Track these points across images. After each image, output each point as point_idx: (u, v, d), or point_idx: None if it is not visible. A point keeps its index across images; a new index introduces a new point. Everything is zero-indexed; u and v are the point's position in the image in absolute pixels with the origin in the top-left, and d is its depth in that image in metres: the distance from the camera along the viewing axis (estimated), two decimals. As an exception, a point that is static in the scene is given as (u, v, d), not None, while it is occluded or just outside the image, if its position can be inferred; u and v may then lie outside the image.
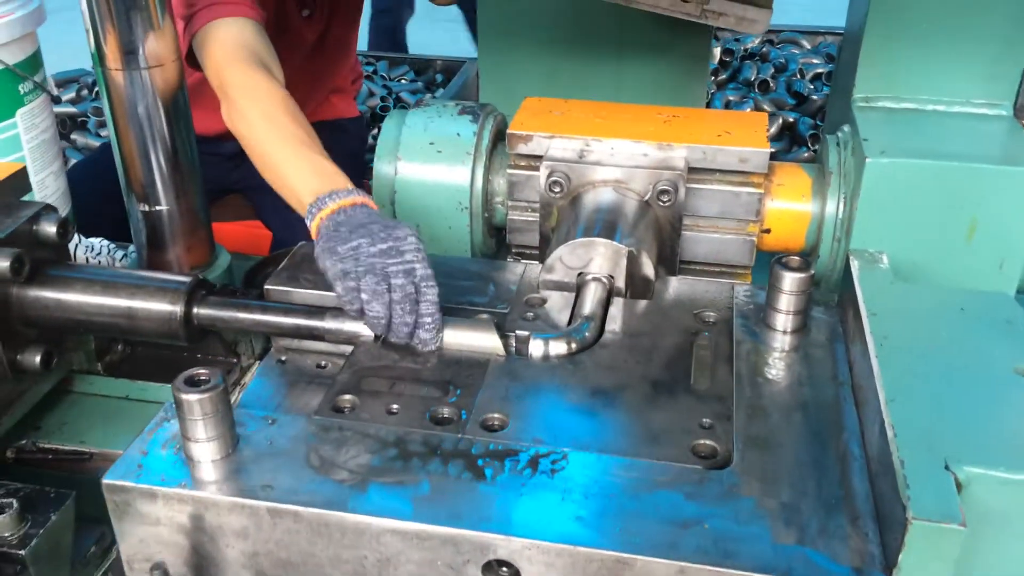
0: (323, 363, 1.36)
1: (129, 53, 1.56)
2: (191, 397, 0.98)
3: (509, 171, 1.60)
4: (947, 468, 0.89)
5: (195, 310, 1.28)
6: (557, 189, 1.53)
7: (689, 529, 0.93)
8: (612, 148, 1.55)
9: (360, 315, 1.21)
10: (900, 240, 1.43)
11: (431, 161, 1.61)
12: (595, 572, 0.92)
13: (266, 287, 1.38)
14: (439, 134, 1.62)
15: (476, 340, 1.21)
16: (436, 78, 5.35)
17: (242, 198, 2.67)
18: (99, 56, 1.58)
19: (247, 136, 1.54)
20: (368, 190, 2.62)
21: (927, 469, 0.89)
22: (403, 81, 5.21)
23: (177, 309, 1.27)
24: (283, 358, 1.37)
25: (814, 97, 3.41)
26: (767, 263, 1.91)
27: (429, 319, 1.21)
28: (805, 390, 1.16)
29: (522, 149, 1.58)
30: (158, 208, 1.69)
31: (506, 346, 1.22)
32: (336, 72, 2.67)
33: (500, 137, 1.69)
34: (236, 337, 1.61)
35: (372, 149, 3.80)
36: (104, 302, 1.28)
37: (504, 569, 0.95)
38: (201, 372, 1.00)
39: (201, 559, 1.02)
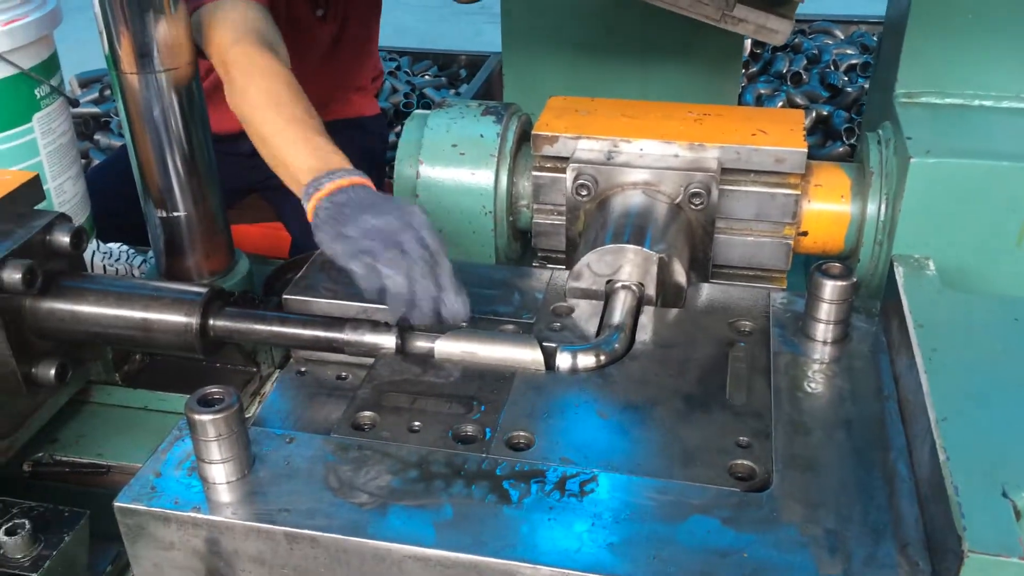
0: (344, 374, 1.32)
1: (143, 56, 1.53)
2: (204, 417, 0.94)
3: (534, 173, 1.55)
4: (1005, 495, 0.83)
5: (211, 322, 1.25)
6: (584, 192, 1.48)
7: (727, 558, 0.88)
8: (641, 149, 1.49)
9: (380, 295, 1.16)
10: (946, 244, 1.37)
11: (454, 163, 1.56)
12: (627, 604, 0.87)
13: (284, 297, 1.34)
14: (462, 136, 1.57)
15: (514, 354, 1.16)
16: (460, 73, 5.30)
17: (262, 200, 2.64)
18: (113, 59, 1.55)
19: (247, 116, 1.50)
20: (389, 190, 2.58)
21: (983, 496, 0.83)
22: (426, 76, 5.16)
23: (193, 321, 1.23)
24: (303, 369, 1.34)
25: (849, 89, 3.32)
26: (803, 266, 1.84)
27: (452, 288, 1.16)
28: (848, 405, 1.10)
29: (547, 151, 1.53)
30: (176, 214, 1.66)
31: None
32: (356, 72, 2.62)
33: (525, 138, 1.64)
34: (256, 346, 1.58)
35: (395, 147, 3.75)
36: (119, 314, 1.24)
37: (530, 598, 0.91)
38: (215, 391, 0.96)
39: (217, 584, 0.98)
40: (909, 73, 1.54)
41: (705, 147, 1.47)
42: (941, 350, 1.04)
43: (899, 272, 1.20)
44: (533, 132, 1.53)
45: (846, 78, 3.43)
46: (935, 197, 1.35)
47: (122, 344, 1.33)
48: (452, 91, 5.03)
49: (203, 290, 1.26)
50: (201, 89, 1.62)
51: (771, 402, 1.10)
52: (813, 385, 1.14)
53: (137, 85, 1.56)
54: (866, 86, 3.36)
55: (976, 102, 1.53)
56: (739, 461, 1.02)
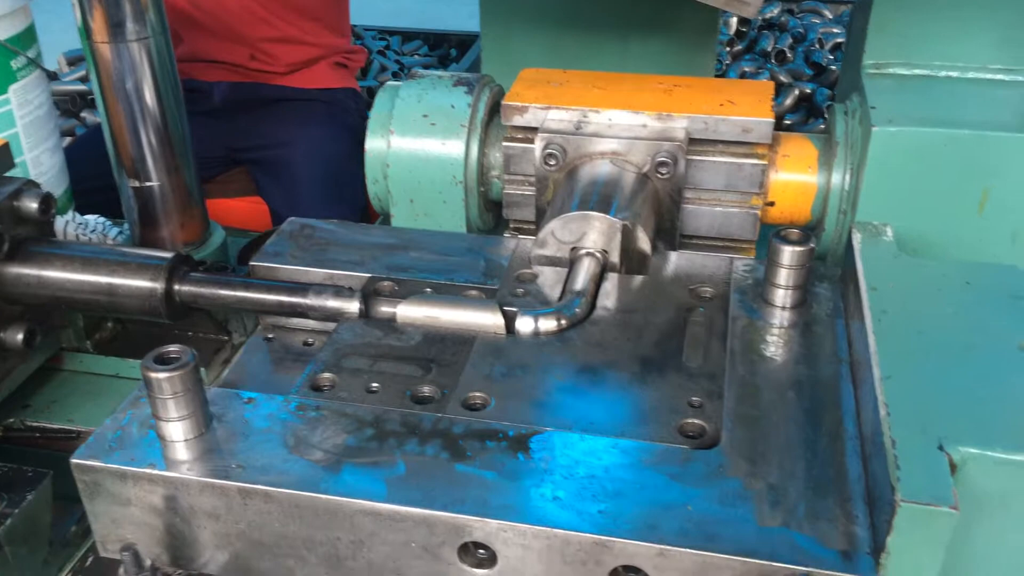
0: (310, 340, 1.34)
1: (116, 25, 1.53)
2: (159, 375, 0.95)
3: (504, 144, 1.56)
4: (941, 448, 0.85)
5: (176, 287, 1.26)
6: (552, 162, 1.49)
7: (672, 511, 0.90)
8: (610, 119, 1.50)
9: None
10: (908, 212, 1.37)
11: (424, 134, 1.57)
12: (573, 555, 0.88)
13: (252, 264, 1.35)
14: (433, 106, 1.58)
15: (475, 318, 1.18)
16: (451, 52, 5.30)
17: (246, 174, 2.65)
18: (86, 29, 1.55)
19: None
20: (363, 183, 2.57)
21: (920, 449, 0.85)
22: (416, 56, 5.16)
23: (158, 286, 1.25)
24: (270, 336, 1.35)
25: (832, 67, 3.33)
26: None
27: None
28: (801, 368, 1.12)
29: (517, 121, 1.54)
30: (149, 184, 1.67)
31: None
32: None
33: (497, 109, 1.65)
34: (227, 315, 1.59)
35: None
36: (85, 279, 1.26)
37: (481, 551, 0.93)
38: (171, 350, 0.97)
39: (175, 540, 1.00)
40: (876, 45, 1.54)
41: (673, 117, 1.47)
42: (891, 312, 1.05)
43: (857, 238, 1.22)
44: (503, 102, 1.53)
45: (831, 56, 3.43)
46: (897, 166, 1.36)
47: (88, 309, 1.35)
48: (444, 69, 5.03)
49: (168, 255, 1.27)
50: (174, 59, 1.63)
51: (725, 364, 1.12)
52: (769, 348, 1.15)
53: (109, 55, 1.57)
54: (852, 65, 3.36)
55: (943, 73, 1.54)
56: (690, 420, 1.03)
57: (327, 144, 2.47)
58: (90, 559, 1.19)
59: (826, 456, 0.97)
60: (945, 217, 1.39)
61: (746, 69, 3.33)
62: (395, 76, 4.65)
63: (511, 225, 1.66)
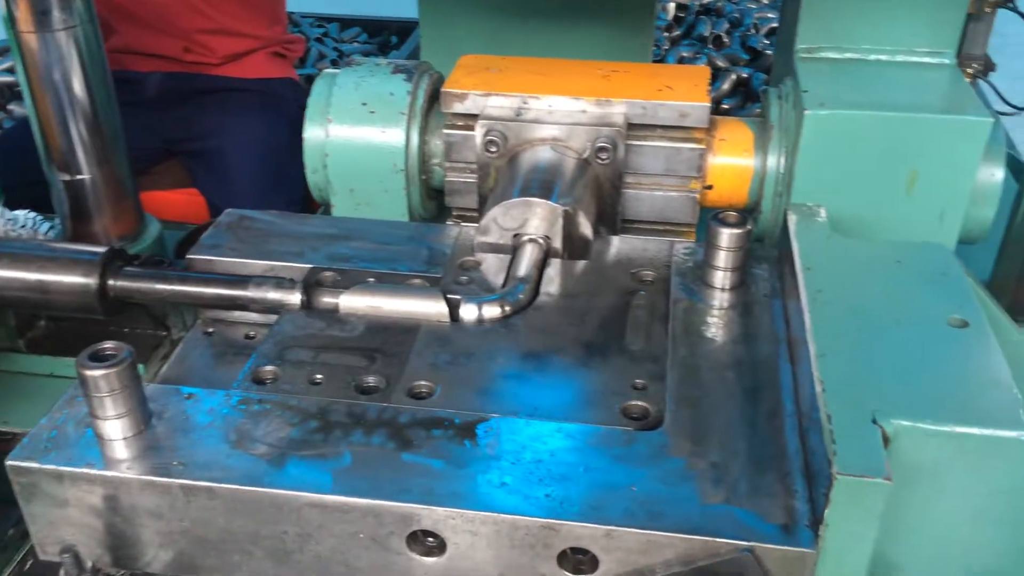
0: (252, 334, 1.32)
1: (42, 14, 1.49)
2: (95, 373, 0.93)
3: (445, 131, 1.55)
4: (875, 422, 0.88)
5: (110, 282, 1.23)
6: (494, 149, 1.49)
7: (617, 492, 0.91)
8: (550, 105, 1.50)
9: None
10: (840, 193, 1.41)
11: (363, 122, 1.55)
12: (521, 539, 0.89)
13: (188, 257, 1.33)
14: (371, 94, 1.56)
15: (419, 307, 1.17)
16: (391, 40, 5.25)
17: (179, 165, 2.60)
18: (10, 18, 1.51)
19: None
20: (302, 173, 2.54)
21: (854, 424, 0.87)
22: (356, 44, 5.10)
23: (91, 282, 1.22)
24: (209, 330, 1.33)
25: (768, 52, 3.38)
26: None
27: None
28: (740, 348, 1.14)
29: (457, 108, 1.53)
30: (80, 177, 1.63)
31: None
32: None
33: (436, 97, 1.64)
34: (166, 310, 1.56)
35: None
36: (14, 275, 1.22)
37: (431, 540, 0.93)
38: (107, 346, 0.95)
39: (116, 540, 0.98)
40: (808, 29, 1.57)
41: (611, 102, 1.48)
42: (826, 291, 1.08)
43: (792, 219, 1.24)
44: (443, 89, 1.53)
45: (766, 41, 3.48)
46: (829, 148, 1.39)
47: (19, 307, 1.31)
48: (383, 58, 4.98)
49: (101, 250, 1.24)
50: (103, 48, 1.59)
51: (667, 346, 1.13)
52: (709, 330, 1.17)
53: (36, 45, 1.52)
54: (786, 49, 3.42)
55: (872, 56, 1.57)
56: (634, 402, 1.05)
57: (264, 135, 2.43)
58: (29, 562, 1.16)
59: (766, 433, 0.99)
60: (876, 198, 1.42)
61: (684, 54, 3.36)
62: (334, 64, 4.59)
63: (454, 213, 1.66)
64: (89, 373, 0.93)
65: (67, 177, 1.61)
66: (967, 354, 0.98)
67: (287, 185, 2.38)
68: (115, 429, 0.96)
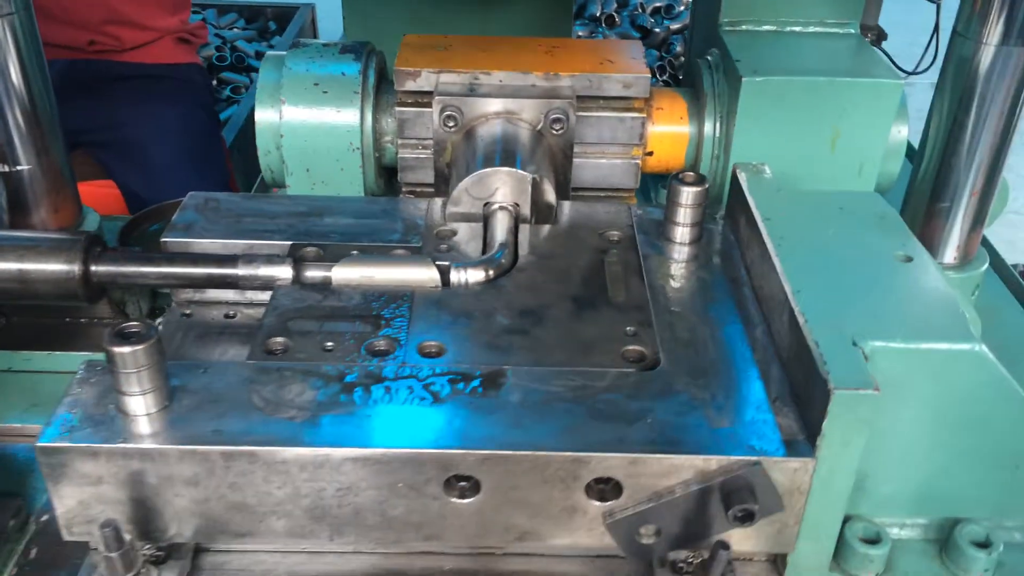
0: (231, 313, 1.34)
1: (-25, 0, 1.44)
2: (125, 350, 0.94)
3: (398, 108, 1.60)
4: (855, 344, 1.00)
5: (93, 267, 1.22)
6: (451, 124, 1.54)
7: (634, 425, 1.00)
8: (500, 80, 1.57)
9: None
10: (773, 153, 1.54)
11: (317, 103, 1.58)
12: (553, 474, 0.97)
13: (163, 240, 1.33)
14: (323, 74, 1.59)
15: (412, 274, 1.22)
16: (269, 26, 5.15)
17: (87, 156, 2.51)
18: (-60, 5, 1.44)
19: None
20: (227, 156, 2.52)
21: (838, 346, 0.99)
22: (235, 29, 4.99)
23: (75, 268, 1.20)
24: (187, 312, 1.33)
25: (657, 30, 3.55)
26: (647, 185, 2.00)
27: None
28: (711, 293, 1.25)
29: (410, 86, 1.58)
30: (18, 168, 1.58)
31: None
32: None
33: (382, 76, 1.68)
34: (124, 296, 1.54)
35: (226, 100, 3.61)
36: (-8, 266, 1.19)
37: (463, 483, 0.99)
38: (131, 325, 0.96)
39: (147, 514, 1.00)
40: (731, 5, 1.70)
41: (560, 76, 1.57)
42: (787, 237, 1.20)
43: (742, 177, 1.36)
44: (396, 67, 1.57)
45: (652, 20, 3.65)
46: (763, 111, 1.52)
47: (-2, 298, 1.28)
48: (264, 43, 4.89)
49: (81, 235, 1.23)
50: (39, 37, 1.55)
51: (647, 296, 1.23)
52: (680, 279, 1.28)
53: (-32, 32, 1.46)
54: (672, 27, 3.60)
55: (787, 28, 1.72)
56: (629, 347, 1.14)
57: (182, 121, 2.38)
58: (33, 551, 1.15)
59: (751, 365, 1.10)
60: (803, 155, 1.57)
61: (580, 33, 3.48)
62: (218, 50, 4.49)
63: (404, 189, 1.71)
64: (118, 351, 0.94)
65: (5, 168, 1.55)
66: (917, 283, 1.12)
67: (211, 172, 2.35)
68: (146, 404, 0.98)
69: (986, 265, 1.70)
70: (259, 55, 4.60)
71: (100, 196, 2.46)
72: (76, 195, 1.71)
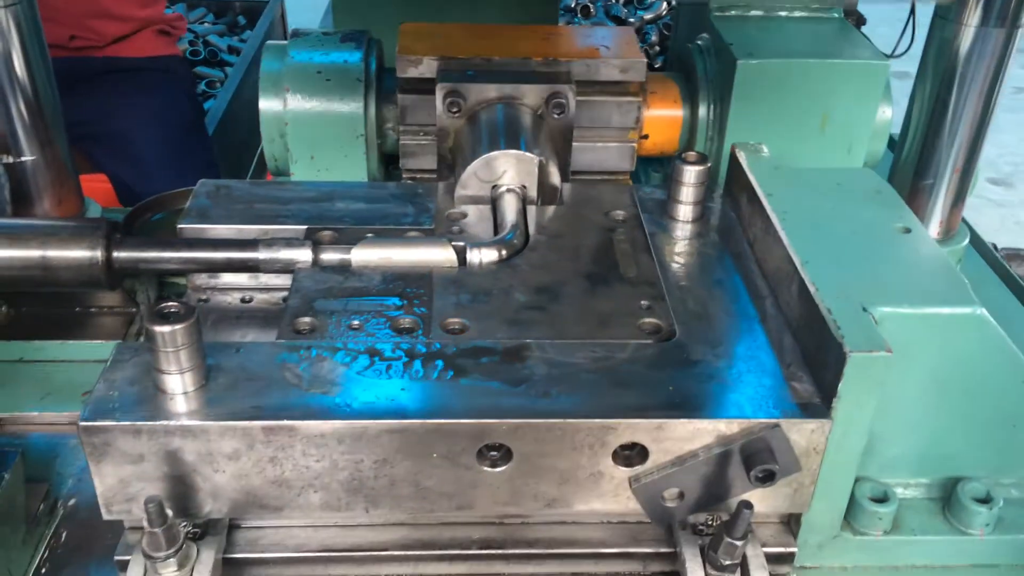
0: (248, 297, 1.36)
1: (-22, -9, 1.44)
2: (166, 328, 0.96)
3: (400, 95, 1.62)
4: (865, 310, 1.05)
5: (115, 253, 1.24)
6: (455, 109, 1.57)
7: (657, 391, 1.04)
8: (501, 66, 1.60)
9: None
10: (766, 133, 1.59)
11: (321, 91, 1.60)
12: (582, 440, 1.01)
13: (179, 226, 1.35)
14: (326, 63, 1.61)
15: (429, 255, 1.25)
16: (239, 20, 5.12)
17: (76, 151, 2.50)
18: (-57, -4, 1.45)
19: None
20: (208, 147, 2.51)
21: (850, 313, 1.04)
22: (206, 24, 4.95)
23: (97, 254, 1.22)
24: (204, 297, 1.35)
25: (631, 20, 3.60)
26: (638, 169, 2.05)
27: None
28: (717, 268, 1.30)
29: (412, 73, 1.61)
30: (22, 159, 1.59)
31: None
32: None
33: (381, 64, 1.71)
34: (134, 284, 1.56)
35: (202, 94, 3.59)
36: (14, 255, 1.20)
37: (494, 452, 1.03)
38: (170, 304, 0.99)
39: (186, 490, 1.02)
40: (721, -10, 1.75)
41: (559, 62, 1.61)
42: (791, 212, 1.25)
43: (742, 156, 1.41)
44: (398, 55, 1.59)
45: (626, 10, 3.70)
46: (758, 93, 1.57)
47: (18, 287, 1.28)
48: (236, 38, 4.86)
49: (101, 221, 1.24)
50: (41, 28, 1.55)
51: (657, 272, 1.27)
52: (687, 255, 1.32)
53: (-29, 23, 1.47)
54: (645, 17, 3.66)
55: (774, 12, 1.77)
56: (646, 320, 1.18)
57: (167, 112, 2.39)
58: (64, 534, 1.17)
59: (761, 335, 1.15)
60: (796, 135, 1.62)
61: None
62: (191, 44, 4.45)
63: (405, 175, 1.73)
64: (160, 329, 0.96)
65: (9, 159, 1.56)
66: (917, 252, 1.18)
67: (198, 158, 2.35)
68: (183, 383, 1.00)
69: (967, 240, 1.78)
70: (232, 50, 4.57)
71: (90, 191, 2.45)
72: (79, 187, 1.72)
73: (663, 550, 1.10)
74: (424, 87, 1.62)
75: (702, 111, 1.66)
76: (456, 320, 1.16)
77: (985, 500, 1.15)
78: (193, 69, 4.35)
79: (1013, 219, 5.11)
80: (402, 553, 1.10)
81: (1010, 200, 5.30)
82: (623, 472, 1.04)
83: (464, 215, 1.41)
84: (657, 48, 3.55)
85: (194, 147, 2.37)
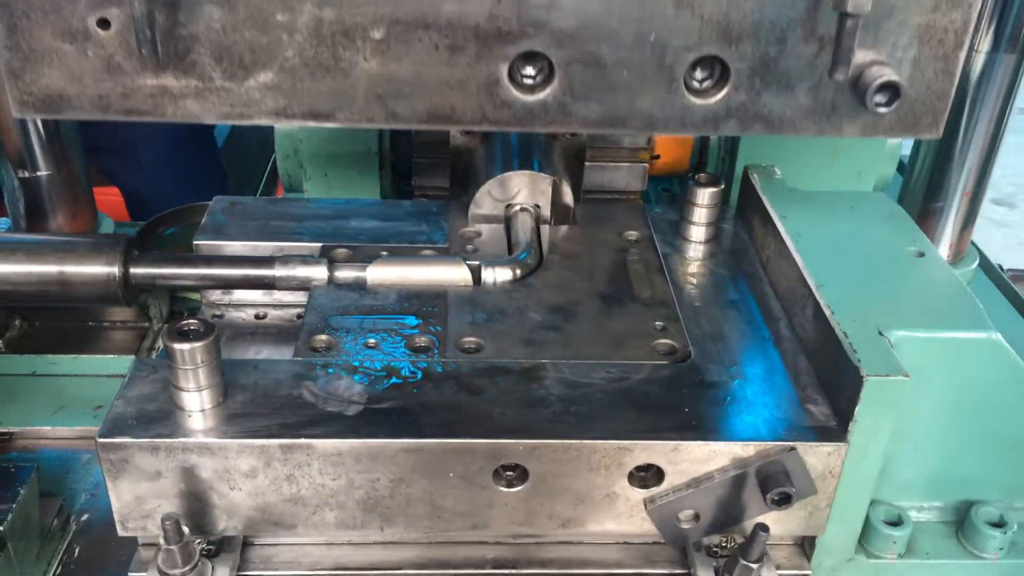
0: (262, 313, 1.37)
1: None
2: (185, 346, 0.97)
3: (414, 114, 1.63)
4: (881, 334, 1.05)
5: (132, 269, 1.24)
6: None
7: (673, 414, 1.04)
8: (514, 86, 1.61)
9: None
10: (778, 155, 1.60)
11: (335, 108, 1.61)
12: (599, 461, 1.01)
13: (195, 242, 1.36)
14: (341, 80, 1.62)
15: (444, 274, 1.26)
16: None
17: (89, 163, 2.51)
18: (-40, 10, 1.45)
19: None
20: (218, 158, 2.51)
21: (866, 336, 1.04)
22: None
23: (114, 270, 1.22)
24: (218, 313, 1.36)
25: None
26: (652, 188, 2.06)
27: None
28: (731, 289, 1.30)
29: (426, 91, 1.61)
30: (37, 174, 1.60)
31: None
32: None
33: (395, 82, 1.71)
34: (147, 299, 1.56)
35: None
36: (32, 270, 1.21)
37: (510, 472, 1.03)
38: (190, 322, 0.99)
39: (201, 507, 1.02)
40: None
41: (572, 82, 1.61)
42: (804, 234, 1.25)
43: (755, 178, 1.41)
44: (412, 74, 1.60)
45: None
46: (770, 116, 1.58)
47: (36, 301, 1.29)
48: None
49: (119, 237, 1.25)
50: (58, 41, 1.56)
51: (672, 293, 1.28)
52: (700, 276, 1.33)
53: (-12, 38, 1.47)
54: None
55: (787, 36, 1.78)
56: (660, 341, 1.18)
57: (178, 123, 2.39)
58: (77, 549, 1.17)
59: (776, 357, 1.15)
60: (807, 162, 1.62)
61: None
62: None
63: (416, 193, 1.74)
64: (179, 347, 0.97)
65: (24, 174, 1.57)
66: (931, 276, 1.18)
67: (207, 167, 2.36)
68: (201, 400, 1.00)
69: (977, 262, 1.78)
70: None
71: (100, 203, 2.46)
72: (92, 202, 1.72)
73: (678, 571, 1.10)
74: (438, 106, 1.62)
75: (714, 132, 1.66)
76: (472, 339, 1.17)
77: (999, 524, 1.15)
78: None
79: (1016, 239, 5.12)
80: (416, 572, 1.09)
81: (1013, 220, 5.31)
82: (638, 493, 1.04)
83: (478, 234, 1.42)
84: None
85: (202, 154, 2.38)
